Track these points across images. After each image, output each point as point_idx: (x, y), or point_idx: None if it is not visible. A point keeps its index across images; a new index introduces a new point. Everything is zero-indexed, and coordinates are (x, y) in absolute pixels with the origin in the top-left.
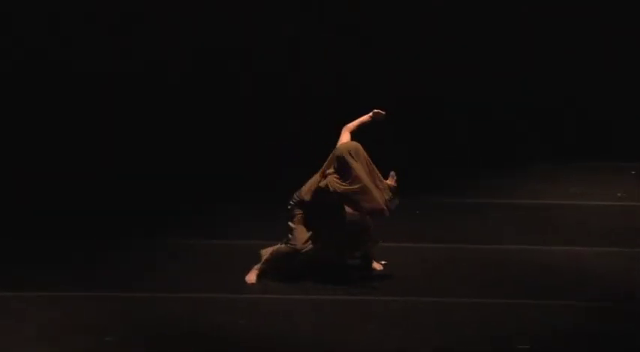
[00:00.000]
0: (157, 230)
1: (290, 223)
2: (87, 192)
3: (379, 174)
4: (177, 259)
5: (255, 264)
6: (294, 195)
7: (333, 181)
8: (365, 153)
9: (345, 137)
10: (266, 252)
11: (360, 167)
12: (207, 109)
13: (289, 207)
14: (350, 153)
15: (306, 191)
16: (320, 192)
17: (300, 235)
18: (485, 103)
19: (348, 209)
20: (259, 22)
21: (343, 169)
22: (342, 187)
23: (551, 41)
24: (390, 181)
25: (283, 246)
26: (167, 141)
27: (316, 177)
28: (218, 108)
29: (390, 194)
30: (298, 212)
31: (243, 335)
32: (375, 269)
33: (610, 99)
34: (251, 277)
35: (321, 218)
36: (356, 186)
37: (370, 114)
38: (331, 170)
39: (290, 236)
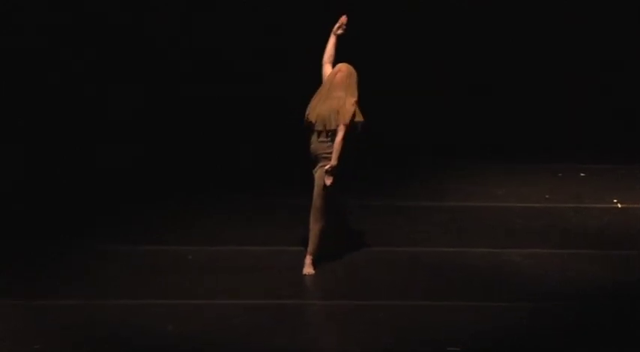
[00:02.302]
0: (87, 234)
1: None
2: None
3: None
4: (107, 265)
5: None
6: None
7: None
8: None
9: (328, 69)
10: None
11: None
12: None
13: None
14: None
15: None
16: None
17: None
18: (414, 105)
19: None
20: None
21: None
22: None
23: (467, 36)
24: None
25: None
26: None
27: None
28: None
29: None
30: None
31: (172, 341)
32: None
33: (536, 101)
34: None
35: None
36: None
37: (333, 33)
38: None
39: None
